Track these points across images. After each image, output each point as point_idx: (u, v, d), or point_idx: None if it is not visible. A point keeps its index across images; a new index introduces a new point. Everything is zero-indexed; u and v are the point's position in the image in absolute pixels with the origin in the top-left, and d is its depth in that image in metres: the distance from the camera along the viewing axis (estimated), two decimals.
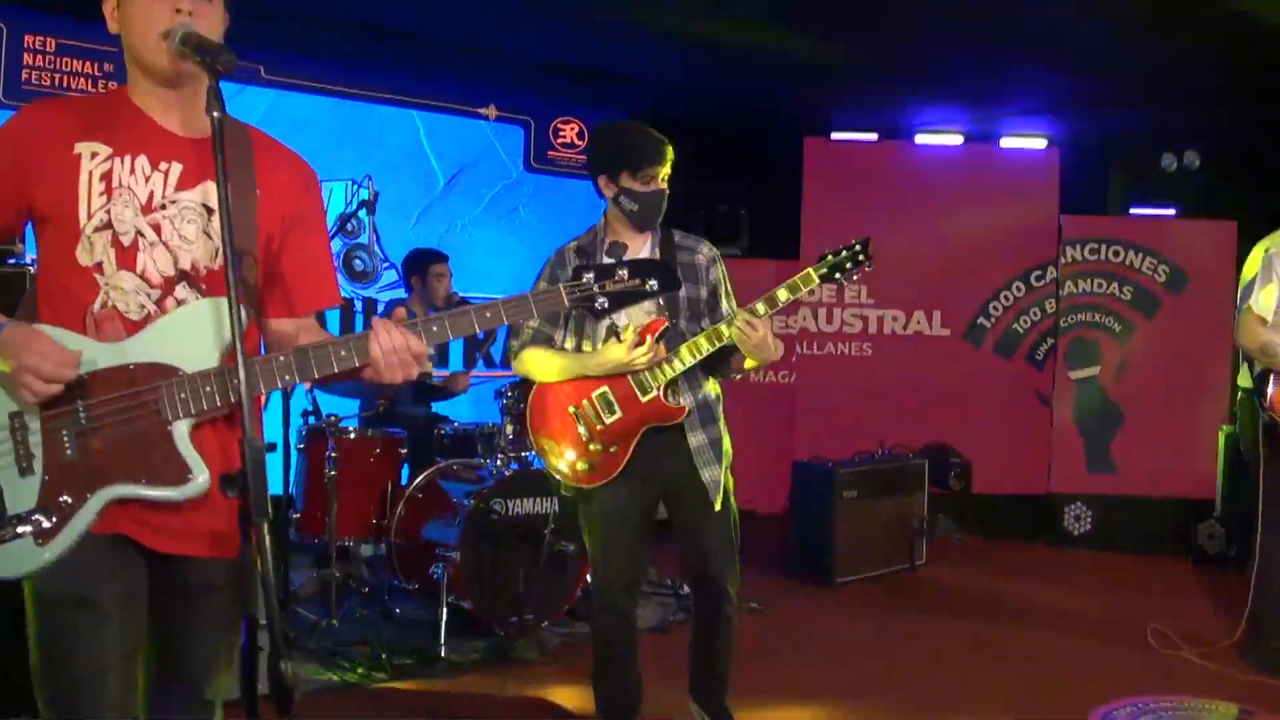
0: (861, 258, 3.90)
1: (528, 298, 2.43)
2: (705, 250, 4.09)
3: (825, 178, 8.74)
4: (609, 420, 3.88)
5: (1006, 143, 8.99)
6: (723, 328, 3.82)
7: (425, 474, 5.82)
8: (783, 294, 3.81)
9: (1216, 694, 4.97)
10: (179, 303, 2.34)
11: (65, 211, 2.29)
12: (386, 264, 7.55)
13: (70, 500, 2.23)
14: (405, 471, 6.08)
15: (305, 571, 6.17)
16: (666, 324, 3.88)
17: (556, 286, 2.43)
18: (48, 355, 2.17)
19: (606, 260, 2.69)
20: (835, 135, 8.92)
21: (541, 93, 8.22)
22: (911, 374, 8.90)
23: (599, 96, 8.17)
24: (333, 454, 5.60)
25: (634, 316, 3.89)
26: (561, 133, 8.45)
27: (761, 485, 8.46)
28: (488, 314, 2.39)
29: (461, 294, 6.75)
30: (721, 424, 4.07)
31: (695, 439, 3.95)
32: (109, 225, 2.30)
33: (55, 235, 2.31)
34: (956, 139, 9.01)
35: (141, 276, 2.32)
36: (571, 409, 3.93)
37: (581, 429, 3.91)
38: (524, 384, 5.99)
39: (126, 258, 2.31)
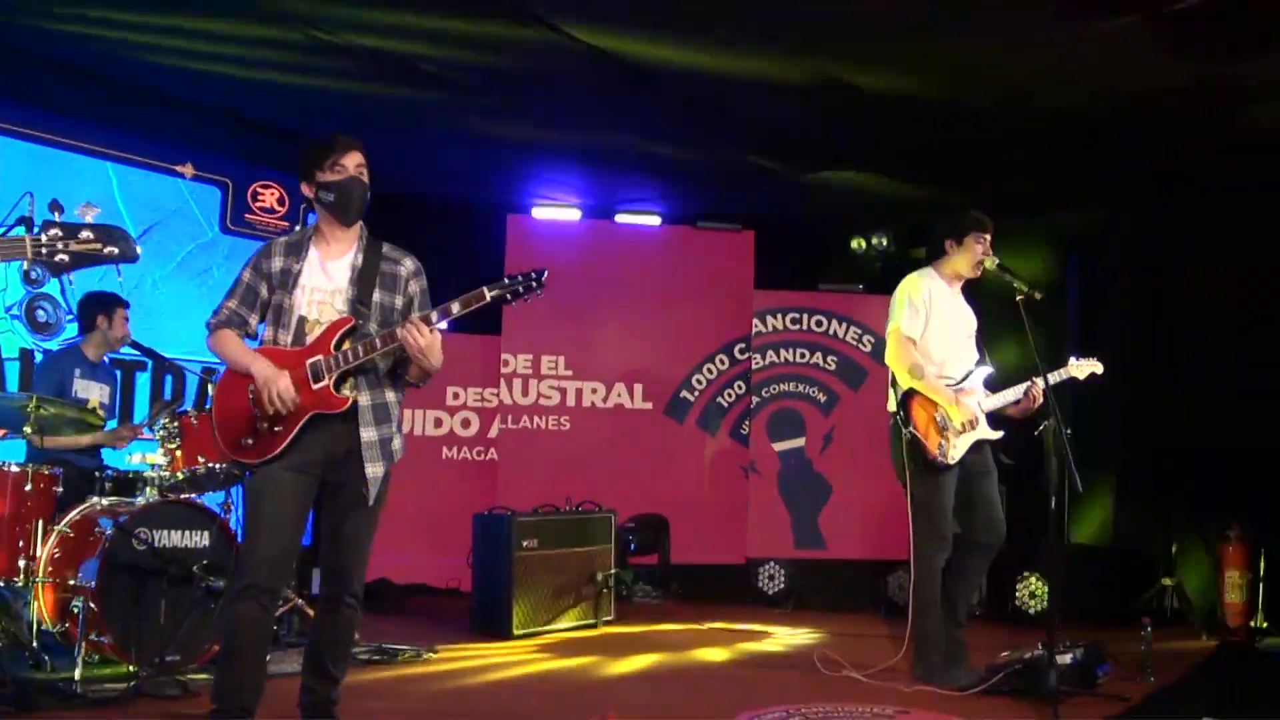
0: (535, 285, 4.10)
1: None
2: (409, 264, 4.34)
3: (528, 254, 8.95)
4: None
5: (703, 224, 9.43)
6: (397, 330, 4.03)
7: (78, 510, 5.65)
8: (455, 306, 4.07)
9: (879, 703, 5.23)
10: None
11: None
12: (71, 316, 7.36)
13: None
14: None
15: None
16: (353, 323, 4.13)
17: (22, 236, 2.62)
18: None
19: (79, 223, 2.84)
20: (537, 213, 9.20)
21: (242, 155, 8.22)
22: (612, 447, 9.12)
23: (295, 159, 8.17)
24: None
25: (324, 313, 4.16)
26: (261, 196, 8.44)
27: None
28: None
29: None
30: (395, 426, 4.25)
31: (367, 434, 4.14)
32: None
33: None
34: (655, 220, 9.40)
35: None
36: (250, 388, 4.11)
37: (255, 408, 4.09)
38: (181, 418, 5.97)
39: None
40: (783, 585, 8.65)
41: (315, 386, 4.07)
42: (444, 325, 4.09)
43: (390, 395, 4.25)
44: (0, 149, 7.18)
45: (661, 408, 9.29)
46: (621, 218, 9.37)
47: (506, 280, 4.10)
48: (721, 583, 8.95)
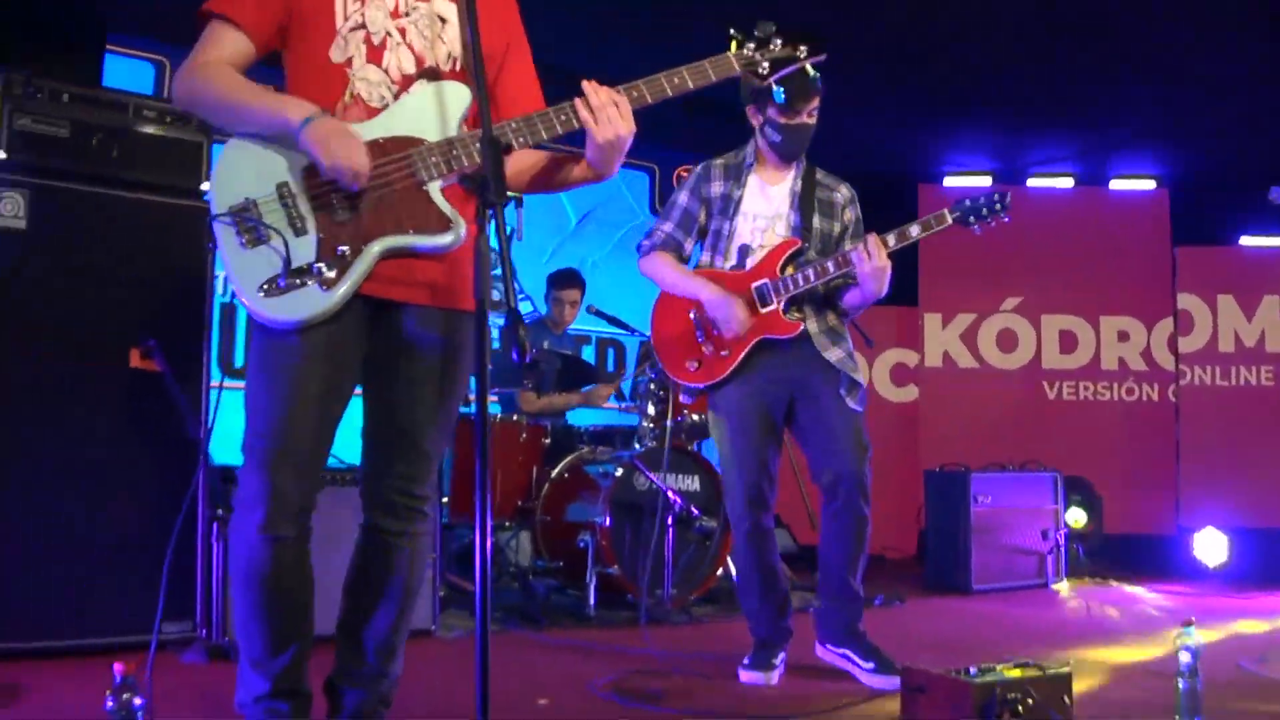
0: (999, 208, 4.01)
1: (705, 64, 2.66)
2: (844, 190, 4.27)
3: None
4: None
5: (1116, 184, 9.20)
6: (850, 252, 3.93)
7: (569, 458, 6.01)
8: (914, 230, 3.97)
9: None
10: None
11: (324, 12, 2.62)
12: (522, 295, 7.86)
13: (348, 251, 2.51)
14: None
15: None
16: (800, 245, 4.06)
17: (727, 54, 2.66)
18: (356, 157, 2.46)
19: (759, 35, 2.74)
20: (948, 182, 9.18)
21: (664, 140, 8.52)
22: (1033, 411, 8.98)
23: (716, 140, 8.40)
24: None
25: (767, 239, 4.11)
26: (684, 179, 8.76)
27: (890, 530, 8.16)
28: (675, 80, 2.63)
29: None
30: (850, 345, 4.19)
31: (834, 354, 4.08)
32: (363, 26, 2.63)
33: (312, 34, 2.63)
34: (1068, 181, 9.20)
35: (385, 72, 2.65)
36: (692, 314, 4.14)
37: (698, 331, 4.12)
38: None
39: (375, 55, 2.64)
40: (1225, 557, 8.03)
41: (763, 310, 4.01)
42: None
43: (833, 319, 4.16)
44: None
45: (1081, 370, 9.06)
46: (1033, 181, 9.21)
47: (968, 202, 3.98)
48: (1153, 552, 8.46)
